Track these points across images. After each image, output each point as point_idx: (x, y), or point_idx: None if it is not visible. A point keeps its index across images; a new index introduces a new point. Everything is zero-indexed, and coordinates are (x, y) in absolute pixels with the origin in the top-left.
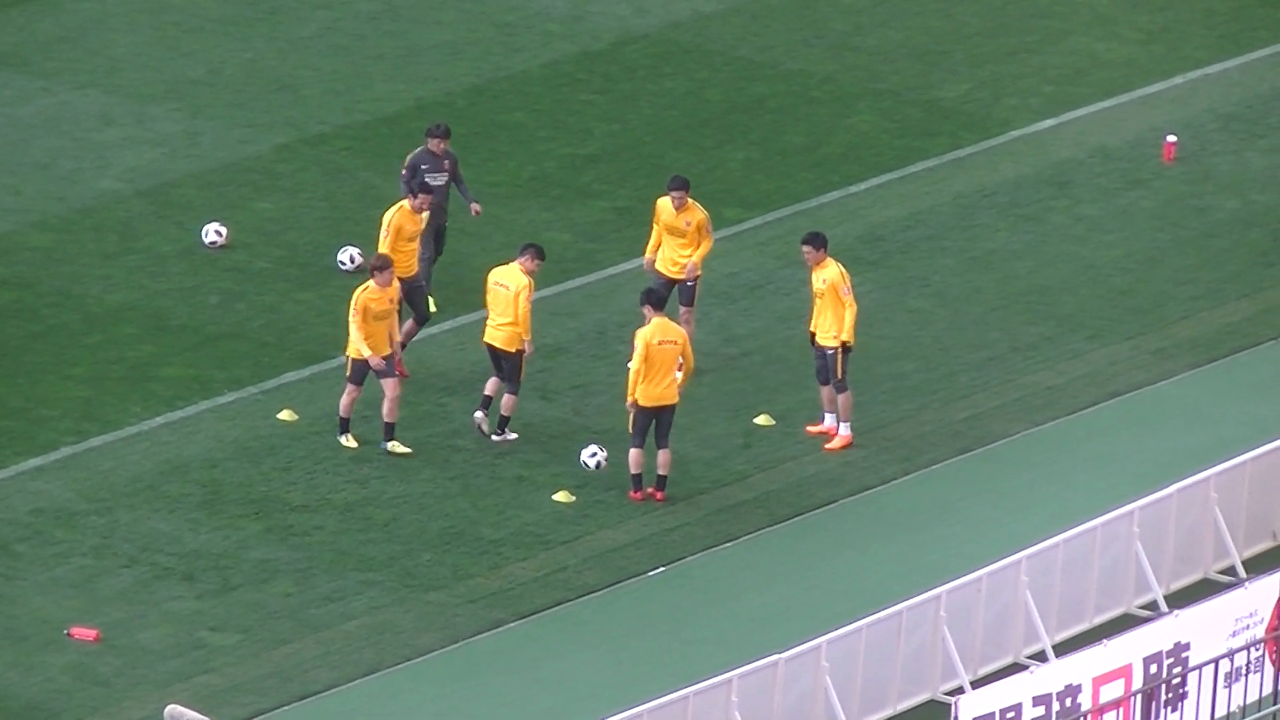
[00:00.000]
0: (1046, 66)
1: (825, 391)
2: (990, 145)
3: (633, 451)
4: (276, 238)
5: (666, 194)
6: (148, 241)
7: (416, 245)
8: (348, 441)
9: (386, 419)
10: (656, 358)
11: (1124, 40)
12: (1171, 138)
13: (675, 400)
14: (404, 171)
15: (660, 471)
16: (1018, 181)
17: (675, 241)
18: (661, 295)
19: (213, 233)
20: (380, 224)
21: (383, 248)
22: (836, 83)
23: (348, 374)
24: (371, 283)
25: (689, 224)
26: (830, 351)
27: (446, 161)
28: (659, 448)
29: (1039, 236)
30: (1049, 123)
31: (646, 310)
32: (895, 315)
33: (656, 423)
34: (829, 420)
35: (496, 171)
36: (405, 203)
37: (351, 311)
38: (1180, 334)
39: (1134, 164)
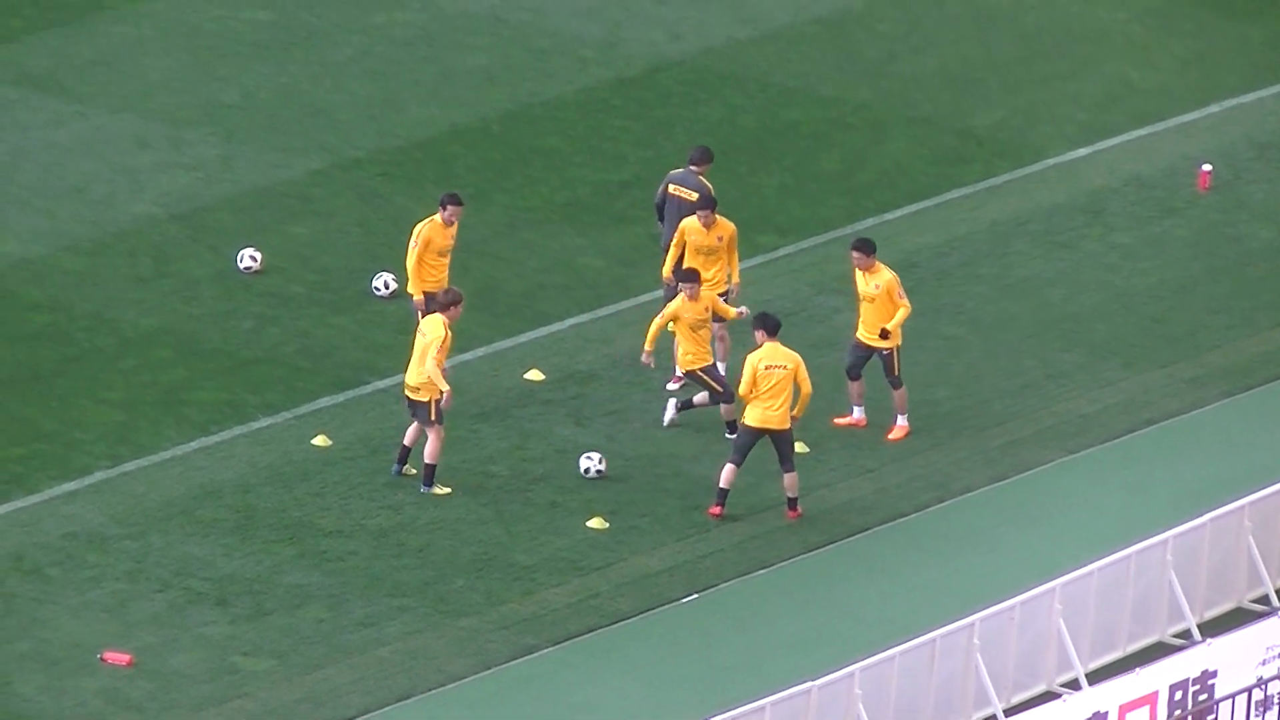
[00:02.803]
0: (1081, 94)
1: (854, 386)
2: (1024, 173)
3: (728, 466)
4: (310, 262)
5: (696, 215)
6: (181, 266)
7: (447, 260)
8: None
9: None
10: (763, 381)
11: (1159, 68)
12: (1206, 166)
13: (786, 425)
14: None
15: (789, 494)
16: (1051, 209)
17: (705, 260)
18: (776, 320)
19: (247, 257)
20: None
21: (410, 259)
22: (871, 110)
23: (433, 417)
24: (444, 317)
25: (721, 239)
26: (885, 352)
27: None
28: (783, 471)
29: (1073, 264)
30: (1083, 150)
31: (759, 335)
32: (929, 342)
33: (775, 447)
34: (857, 413)
35: (530, 197)
36: (436, 215)
37: (437, 351)
38: (1214, 362)
39: (1168, 192)
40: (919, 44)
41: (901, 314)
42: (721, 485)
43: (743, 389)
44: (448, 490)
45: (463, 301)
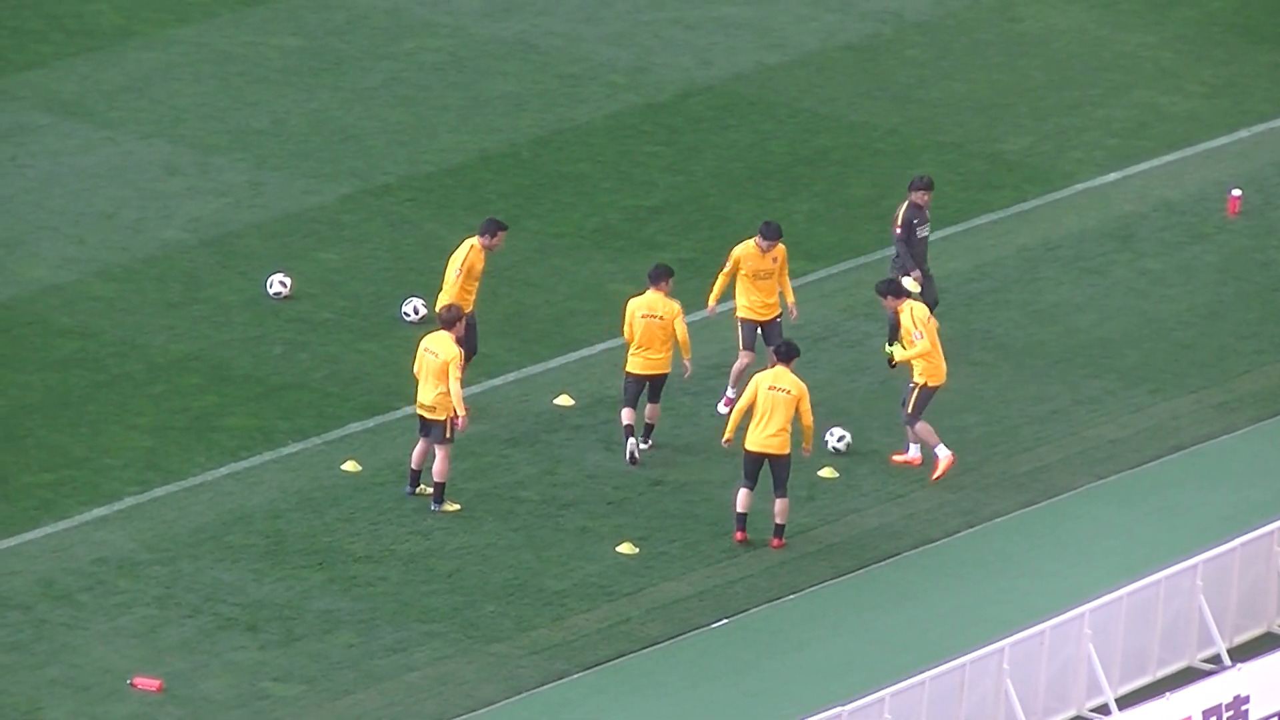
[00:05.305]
0: (1110, 120)
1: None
2: (1054, 198)
3: (741, 491)
4: (340, 288)
5: (753, 240)
6: (211, 292)
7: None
8: (425, 492)
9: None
10: (763, 402)
11: (1188, 94)
12: (1236, 191)
13: (785, 451)
14: (898, 230)
15: (777, 520)
16: (1081, 235)
17: (761, 284)
18: (794, 349)
19: (277, 283)
20: (447, 264)
21: (450, 286)
22: (901, 135)
23: (448, 436)
24: (451, 334)
25: (776, 260)
26: (911, 385)
27: (927, 212)
28: (776, 496)
29: (1102, 290)
30: (1113, 176)
31: (772, 357)
32: (958, 368)
33: (771, 471)
34: (913, 450)
35: (560, 223)
36: (475, 240)
37: (455, 369)
38: (1243, 387)
39: (1197, 218)
40: (948, 70)
41: (913, 351)
42: (738, 510)
43: (741, 404)
44: (457, 506)
45: (465, 318)
